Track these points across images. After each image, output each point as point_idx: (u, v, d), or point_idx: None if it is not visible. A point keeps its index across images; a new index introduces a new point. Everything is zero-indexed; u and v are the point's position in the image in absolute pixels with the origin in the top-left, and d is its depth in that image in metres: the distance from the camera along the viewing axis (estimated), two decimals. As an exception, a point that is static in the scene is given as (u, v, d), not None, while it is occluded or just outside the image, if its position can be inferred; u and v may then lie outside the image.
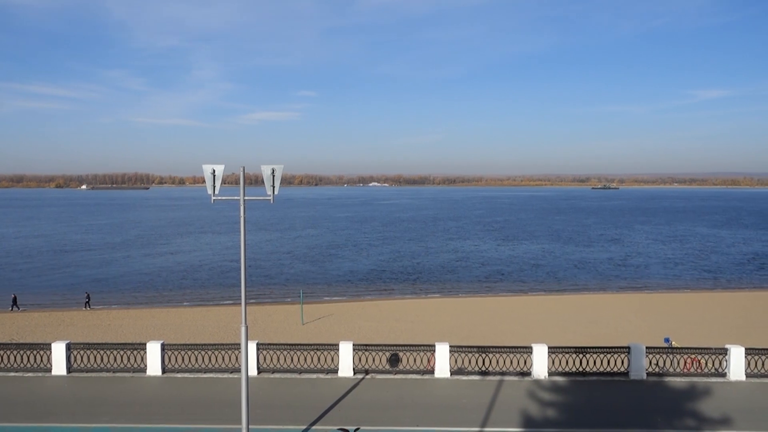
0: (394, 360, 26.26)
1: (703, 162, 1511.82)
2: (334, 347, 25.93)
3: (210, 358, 25.76)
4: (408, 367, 25.90)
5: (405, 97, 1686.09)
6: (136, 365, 25.74)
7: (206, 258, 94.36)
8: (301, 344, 26.58)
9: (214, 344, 26.23)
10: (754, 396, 23.52)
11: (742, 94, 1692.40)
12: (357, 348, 25.81)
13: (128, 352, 25.85)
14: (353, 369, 25.54)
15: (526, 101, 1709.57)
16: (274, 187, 17.38)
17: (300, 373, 25.68)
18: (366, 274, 79.21)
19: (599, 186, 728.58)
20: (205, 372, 25.59)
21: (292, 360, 25.89)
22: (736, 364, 25.31)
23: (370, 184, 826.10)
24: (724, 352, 25.72)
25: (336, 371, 25.63)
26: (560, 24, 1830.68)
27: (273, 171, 17.34)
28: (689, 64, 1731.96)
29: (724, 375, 25.50)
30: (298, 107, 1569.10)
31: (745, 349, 25.55)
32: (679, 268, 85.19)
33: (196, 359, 25.79)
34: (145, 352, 25.60)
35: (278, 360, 25.87)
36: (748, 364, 25.41)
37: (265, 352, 25.88)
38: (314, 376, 25.49)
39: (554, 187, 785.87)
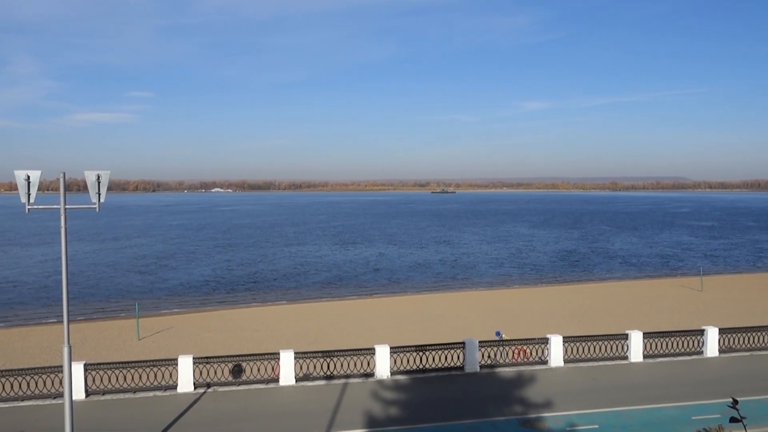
0: (237, 371, 25.64)
1: (528, 168, 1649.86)
2: (173, 362, 24.76)
3: (29, 383, 23.36)
4: (252, 377, 25.40)
5: (248, 101, 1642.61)
6: (-65, 399, 22.60)
7: (22, 273, 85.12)
8: (136, 361, 25.08)
9: (34, 368, 23.82)
10: (570, 379, 26.17)
11: (559, 106, 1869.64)
12: (197, 361, 24.86)
13: (-75, 385, 22.62)
14: (194, 383, 24.56)
15: (368, 108, 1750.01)
16: (99, 194, 16.31)
17: (135, 392, 24.16)
18: (203, 284, 76.24)
19: (438, 190, 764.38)
20: (22, 400, 23.15)
21: (125, 379, 24.29)
22: (556, 352, 28.05)
23: (213, 190, 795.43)
24: (546, 341, 28.37)
25: (175, 387, 24.47)
26: (398, 35, 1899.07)
27: (98, 177, 16.23)
28: (515, 78, 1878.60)
29: (546, 362, 28.10)
30: (131, 108, 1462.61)
31: (563, 337, 28.40)
32: (504, 267, 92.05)
33: (11, 386, 23.23)
34: (-53, 383, 22.58)
35: (110, 380, 24.14)
36: (566, 350, 28.27)
37: (94, 373, 24.00)
38: (151, 394, 24.11)
39: (396, 191, 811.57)
